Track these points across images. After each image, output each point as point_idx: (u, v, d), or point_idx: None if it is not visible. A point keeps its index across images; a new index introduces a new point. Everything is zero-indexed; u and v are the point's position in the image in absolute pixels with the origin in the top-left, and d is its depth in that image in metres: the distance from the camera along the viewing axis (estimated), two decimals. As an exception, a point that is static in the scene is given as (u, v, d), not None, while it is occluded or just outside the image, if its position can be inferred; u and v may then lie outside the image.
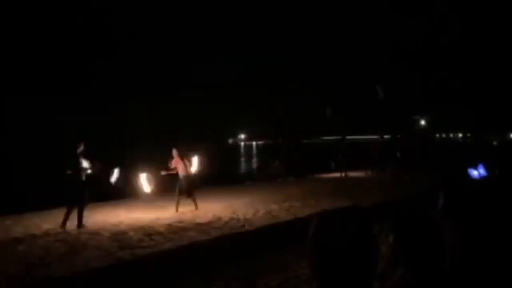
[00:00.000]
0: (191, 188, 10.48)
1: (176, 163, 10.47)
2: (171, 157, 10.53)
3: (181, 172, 10.39)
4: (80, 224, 8.32)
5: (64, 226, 8.17)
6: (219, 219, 8.98)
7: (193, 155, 11.12)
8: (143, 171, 11.09)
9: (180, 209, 10.08)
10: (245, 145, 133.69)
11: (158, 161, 11.86)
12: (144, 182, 10.90)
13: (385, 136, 36.09)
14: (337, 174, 19.50)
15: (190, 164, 10.72)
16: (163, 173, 10.81)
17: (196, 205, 10.36)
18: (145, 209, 10.45)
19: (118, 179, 9.52)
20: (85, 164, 8.46)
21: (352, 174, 19.32)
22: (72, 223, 8.30)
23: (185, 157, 10.68)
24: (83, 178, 8.46)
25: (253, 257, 6.92)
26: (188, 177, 10.47)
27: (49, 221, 8.93)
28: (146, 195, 11.25)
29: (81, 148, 8.52)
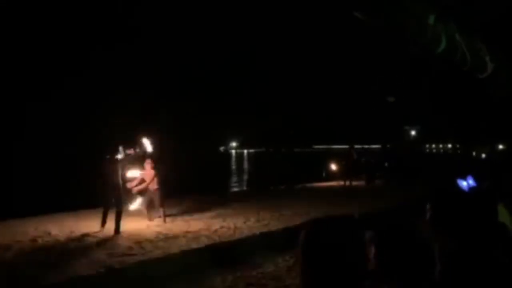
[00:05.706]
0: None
1: (148, 175, 9.73)
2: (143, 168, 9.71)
3: (154, 185, 9.74)
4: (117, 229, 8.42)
5: (103, 226, 8.56)
6: (209, 227, 8.93)
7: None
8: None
9: (170, 218, 10.00)
10: (236, 153, 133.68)
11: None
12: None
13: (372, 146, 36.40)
14: (329, 183, 19.64)
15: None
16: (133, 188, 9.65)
17: (151, 218, 9.71)
18: (134, 217, 10.34)
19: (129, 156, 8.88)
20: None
21: (341, 183, 19.37)
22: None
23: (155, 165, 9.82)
24: (119, 181, 8.63)
25: (243, 266, 6.89)
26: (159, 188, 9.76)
27: (37, 228, 8.81)
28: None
29: (123, 152, 8.71)
